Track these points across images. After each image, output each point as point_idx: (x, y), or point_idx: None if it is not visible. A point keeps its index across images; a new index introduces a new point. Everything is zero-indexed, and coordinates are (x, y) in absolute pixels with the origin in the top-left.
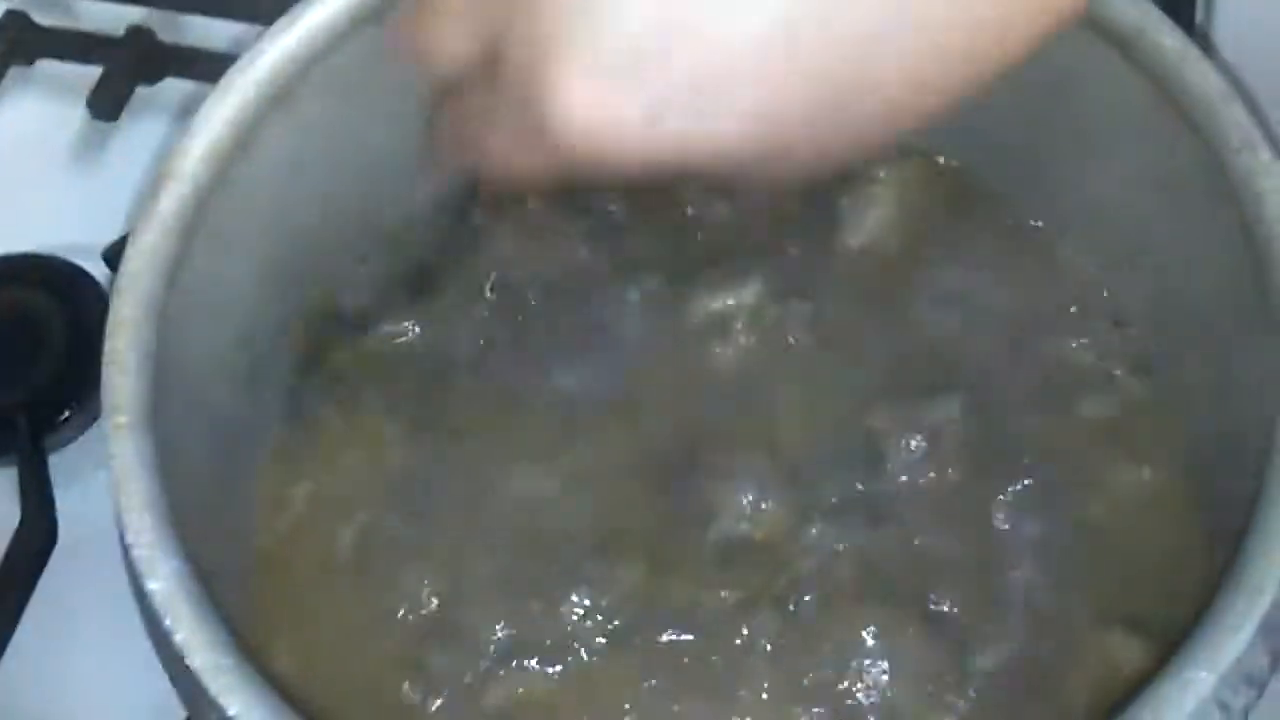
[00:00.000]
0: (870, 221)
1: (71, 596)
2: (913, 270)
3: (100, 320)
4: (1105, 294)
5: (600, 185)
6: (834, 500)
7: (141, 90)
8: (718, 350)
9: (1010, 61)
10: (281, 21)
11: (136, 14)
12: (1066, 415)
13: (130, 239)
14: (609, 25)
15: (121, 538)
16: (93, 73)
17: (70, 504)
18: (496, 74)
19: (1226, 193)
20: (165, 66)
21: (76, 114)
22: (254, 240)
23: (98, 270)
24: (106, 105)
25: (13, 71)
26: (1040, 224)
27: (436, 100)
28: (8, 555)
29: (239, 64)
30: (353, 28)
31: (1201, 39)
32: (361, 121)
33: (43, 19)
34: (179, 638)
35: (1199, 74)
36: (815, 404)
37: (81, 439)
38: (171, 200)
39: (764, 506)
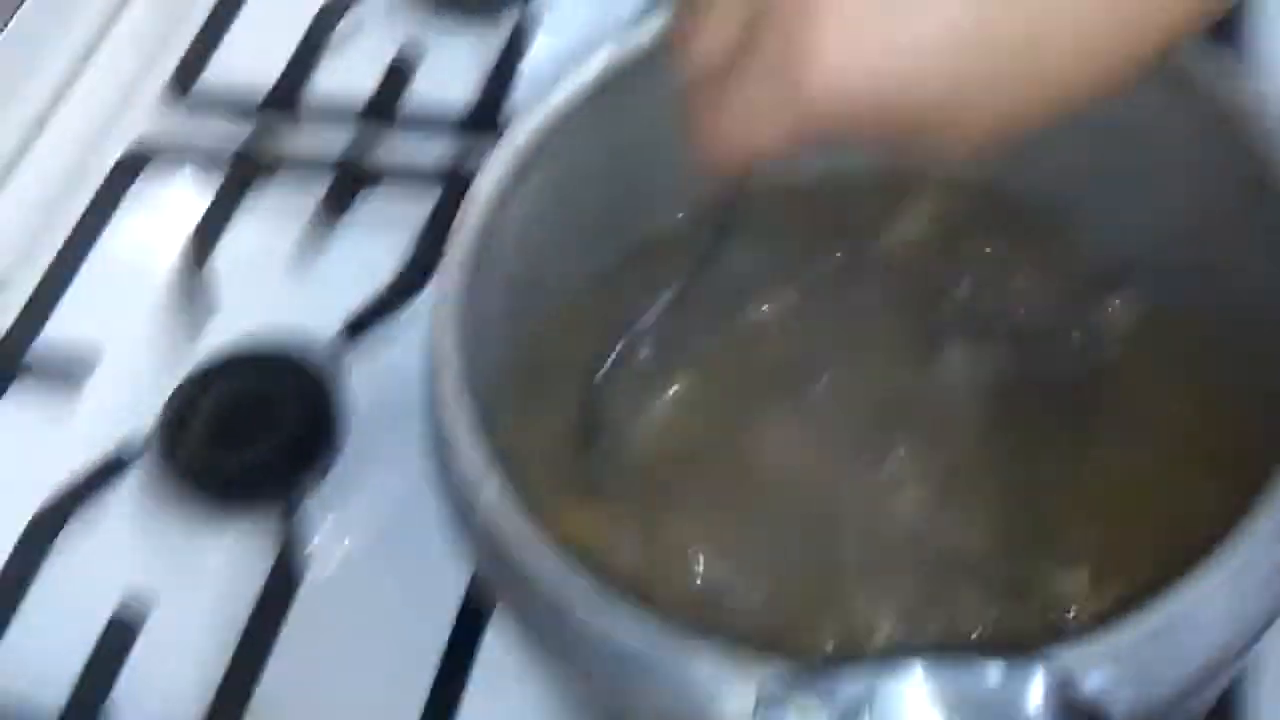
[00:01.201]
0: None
1: (319, 612)
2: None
3: (328, 392)
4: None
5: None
6: None
7: (358, 200)
8: None
9: (1178, 32)
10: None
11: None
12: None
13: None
14: None
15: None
16: (308, 191)
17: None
18: (752, 50)
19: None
20: (376, 179)
21: (300, 226)
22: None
23: (325, 350)
24: (332, 214)
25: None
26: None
27: (695, 96)
28: (268, 581)
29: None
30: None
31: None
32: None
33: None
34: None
35: (1247, 89)
36: None
37: (318, 491)
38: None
39: None
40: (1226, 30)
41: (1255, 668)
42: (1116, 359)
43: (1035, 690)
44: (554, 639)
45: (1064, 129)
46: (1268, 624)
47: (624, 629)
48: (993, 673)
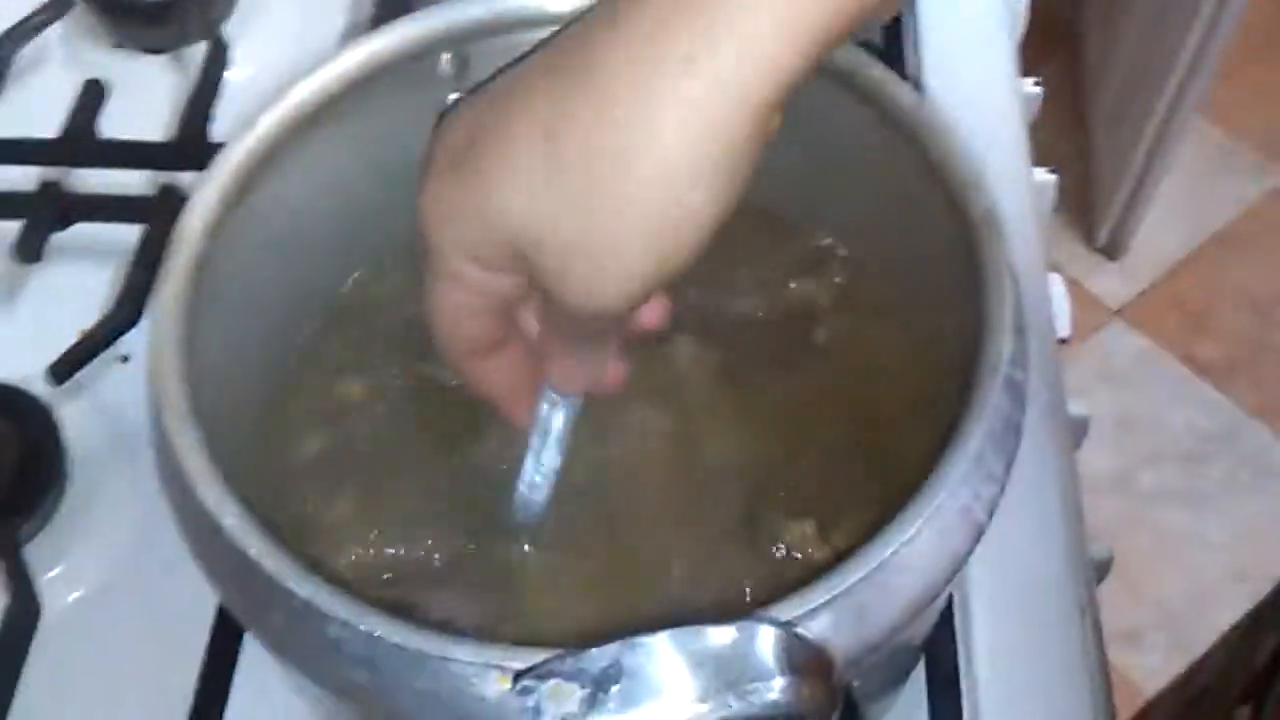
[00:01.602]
0: None
1: (59, 663)
2: None
3: (45, 431)
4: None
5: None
6: None
7: (56, 236)
8: None
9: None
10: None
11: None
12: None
13: (168, 248)
14: None
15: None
16: (2, 228)
17: (43, 586)
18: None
19: (934, 177)
20: (74, 213)
21: None
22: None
23: (38, 390)
24: (30, 250)
25: None
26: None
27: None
28: (2, 633)
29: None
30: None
31: (915, 82)
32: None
33: None
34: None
35: (902, 92)
36: None
37: (44, 533)
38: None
39: None
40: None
41: (966, 590)
42: (828, 329)
43: (765, 643)
44: (311, 653)
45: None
46: (962, 560)
47: (384, 630)
48: (726, 633)
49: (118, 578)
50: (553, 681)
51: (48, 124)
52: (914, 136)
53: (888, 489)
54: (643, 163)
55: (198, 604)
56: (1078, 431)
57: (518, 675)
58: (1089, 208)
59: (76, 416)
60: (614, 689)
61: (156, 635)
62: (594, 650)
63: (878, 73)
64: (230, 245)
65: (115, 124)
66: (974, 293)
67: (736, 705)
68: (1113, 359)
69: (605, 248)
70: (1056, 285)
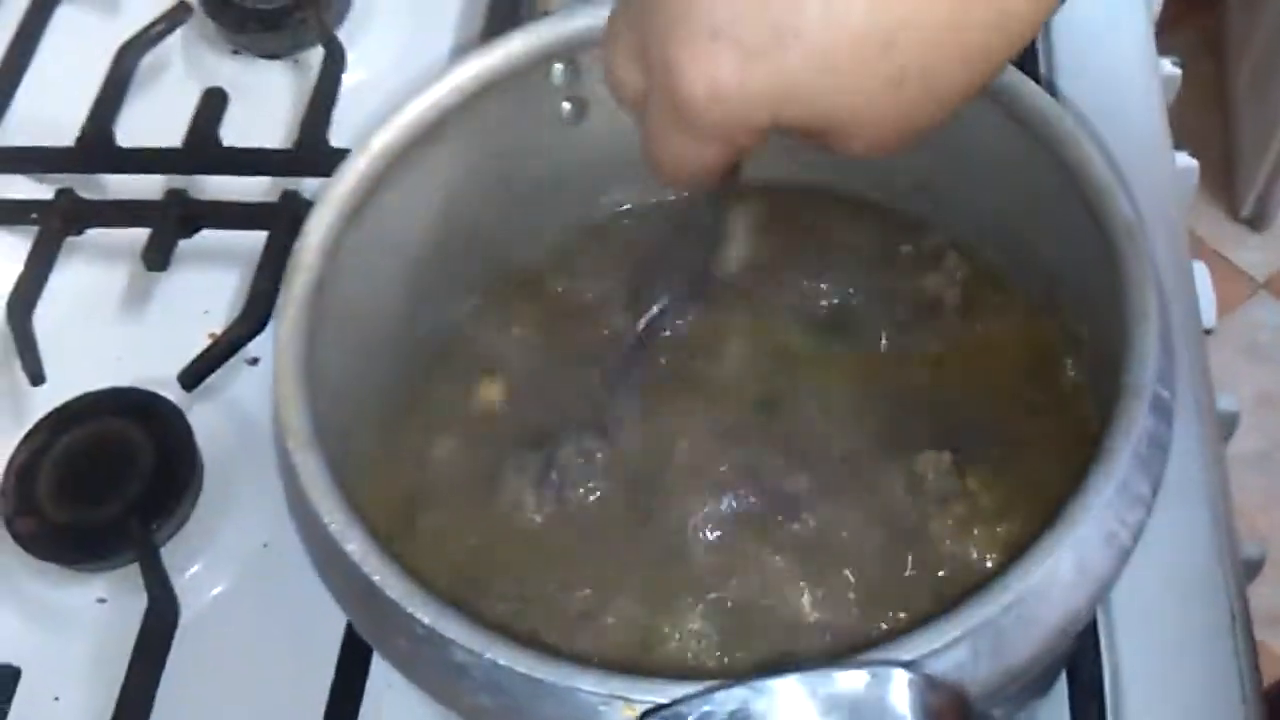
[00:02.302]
0: None
1: (198, 659)
2: None
3: (179, 434)
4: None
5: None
6: None
7: (182, 243)
8: None
9: (1036, 29)
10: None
11: (163, 179)
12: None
13: (286, 272)
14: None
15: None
16: (129, 235)
17: (181, 585)
18: (650, 84)
19: (1070, 183)
20: (199, 220)
21: (125, 271)
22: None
23: (170, 395)
24: (157, 258)
25: (67, 242)
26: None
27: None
28: (142, 634)
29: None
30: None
31: (1048, 85)
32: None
33: (87, 193)
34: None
35: (1036, 96)
36: None
37: (180, 534)
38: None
39: None
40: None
41: (1110, 598)
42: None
43: (899, 690)
44: (436, 677)
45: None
46: (1107, 587)
47: (507, 659)
48: (858, 678)
49: (253, 576)
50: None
51: (171, 133)
52: (1047, 142)
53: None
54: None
55: (331, 604)
56: (1227, 426)
57: (644, 714)
58: (1232, 179)
59: (208, 419)
60: None
61: (292, 633)
62: (720, 694)
63: (1009, 77)
64: (347, 265)
65: (236, 130)
66: (1117, 309)
67: None
68: (1258, 332)
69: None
70: (1201, 274)
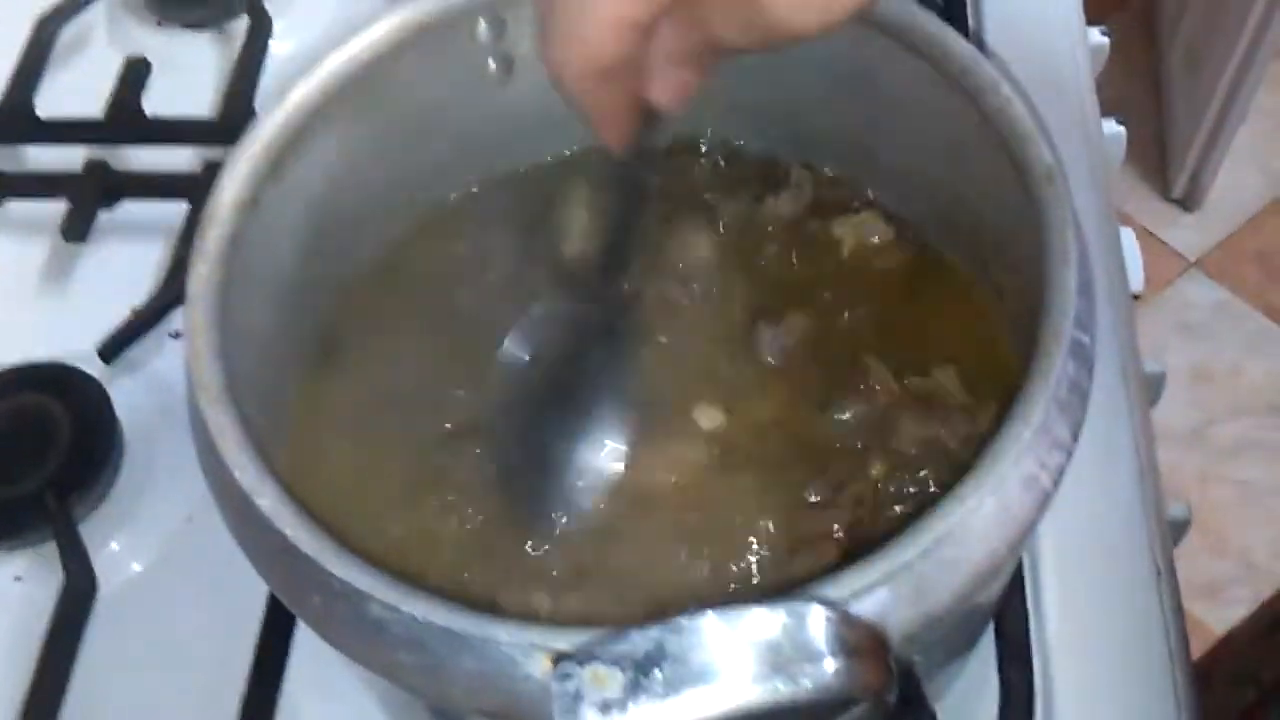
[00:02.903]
0: None
1: (117, 636)
2: None
3: (98, 408)
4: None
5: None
6: None
7: (102, 214)
8: None
9: None
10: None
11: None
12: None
13: (200, 226)
14: None
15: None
16: (49, 207)
17: (100, 561)
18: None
19: (991, 131)
20: (120, 191)
21: (44, 244)
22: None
23: (90, 368)
24: (76, 229)
25: None
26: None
27: (597, 83)
28: (58, 607)
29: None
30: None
31: (976, 40)
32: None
33: (5, 165)
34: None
35: (958, 46)
36: None
37: (100, 509)
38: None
39: None
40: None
41: (1036, 554)
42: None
43: (816, 624)
44: (354, 634)
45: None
46: (1028, 530)
47: (424, 612)
48: (775, 614)
49: (173, 551)
50: (593, 666)
51: (92, 103)
52: (969, 90)
53: None
54: None
55: (254, 577)
56: (1153, 388)
57: (557, 659)
58: (1164, 158)
59: (129, 393)
60: (656, 673)
61: (213, 609)
62: (635, 633)
63: (933, 27)
64: (264, 221)
65: (160, 101)
66: (1037, 256)
67: (786, 689)
68: (1190, 311)
69: None
70: (1128, 239)
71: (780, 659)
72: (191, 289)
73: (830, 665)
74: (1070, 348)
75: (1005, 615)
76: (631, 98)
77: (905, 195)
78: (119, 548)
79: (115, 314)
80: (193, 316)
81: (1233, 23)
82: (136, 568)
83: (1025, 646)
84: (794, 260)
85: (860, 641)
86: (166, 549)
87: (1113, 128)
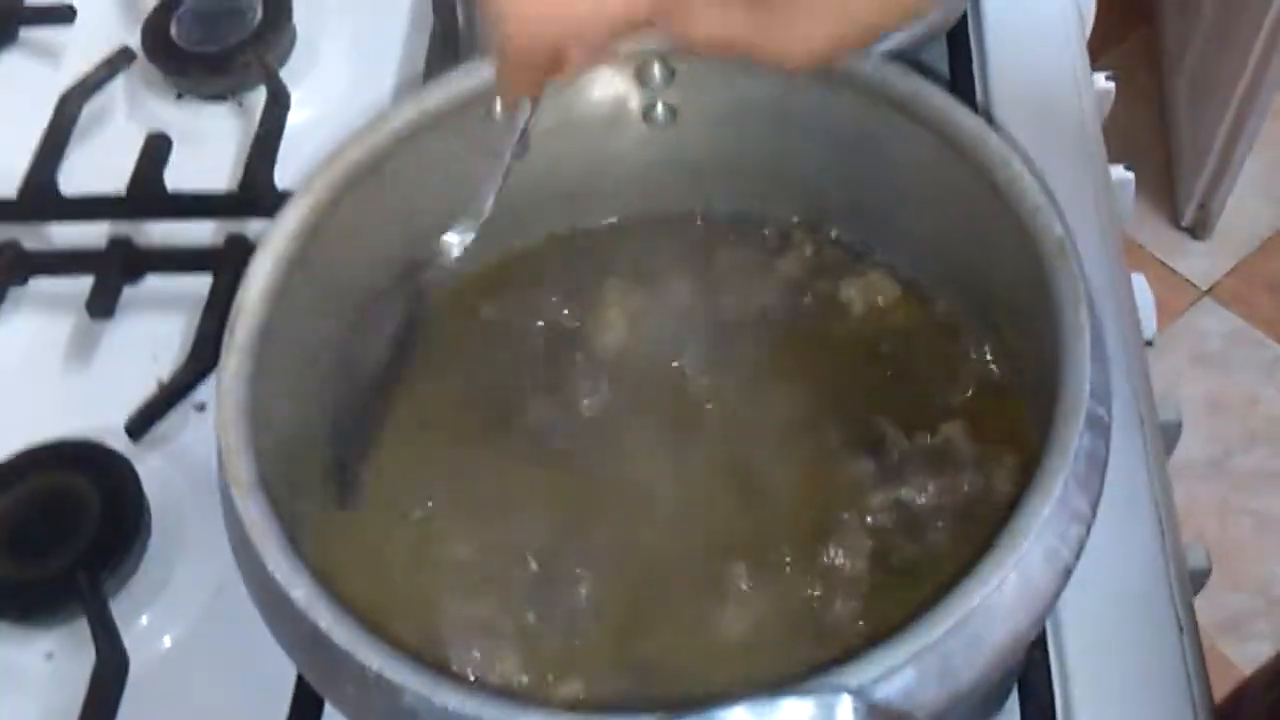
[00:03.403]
0: None
1: (149, 712)
2: None
3: (126, 485)
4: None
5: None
6: None
7: (127, 290)
8: None
9: None
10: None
11: (108, 227)
12: None
13: (229, 320)
14: None
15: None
16: (74, 284)
17: (131, 636)
18: None
19: (1001, 203)
20: (144, 266)
21: (70, 320)
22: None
23: (117, 444)
24: (102, 305)
25: (11, 292)
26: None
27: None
28: (91, 687)
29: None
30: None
31: (983, 108)
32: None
33: (30, 243)
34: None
35: (966, 120)
36: None
37: (130, 584)
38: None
39: None
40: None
41: (1058, 612)
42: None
43: (844, 715)
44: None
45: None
46: (1050, 604)
47: (457, 703)
48: (804, 706)
49: (205, 624)
50: None
51: (115, 178)
52: (978, 164)
53: None
54: None
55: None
56: (1170, 436)
57: None
58: (1173, 188)
59: (156, 468)
60: None
61: (243, 683)
62: None
63: (939, 100)
64: (289, 308)
65: (181, 174)
66: (1050, 328)
67: None
68: (1204, 340)
69: None
70: (1140, 284)
71: None
72: (223, 383)
73: None
74: (1087, 421)
75: (1029, 676)
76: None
77: (916, 259)
78: (149, 622)
79: (141, 388)
80: (224, 411)
81: (1237, 54)
82: (167, 642)
83: (1050, 707)
84: (804, 322)
85: None
86: (196, 622)
87: (1121, 174)
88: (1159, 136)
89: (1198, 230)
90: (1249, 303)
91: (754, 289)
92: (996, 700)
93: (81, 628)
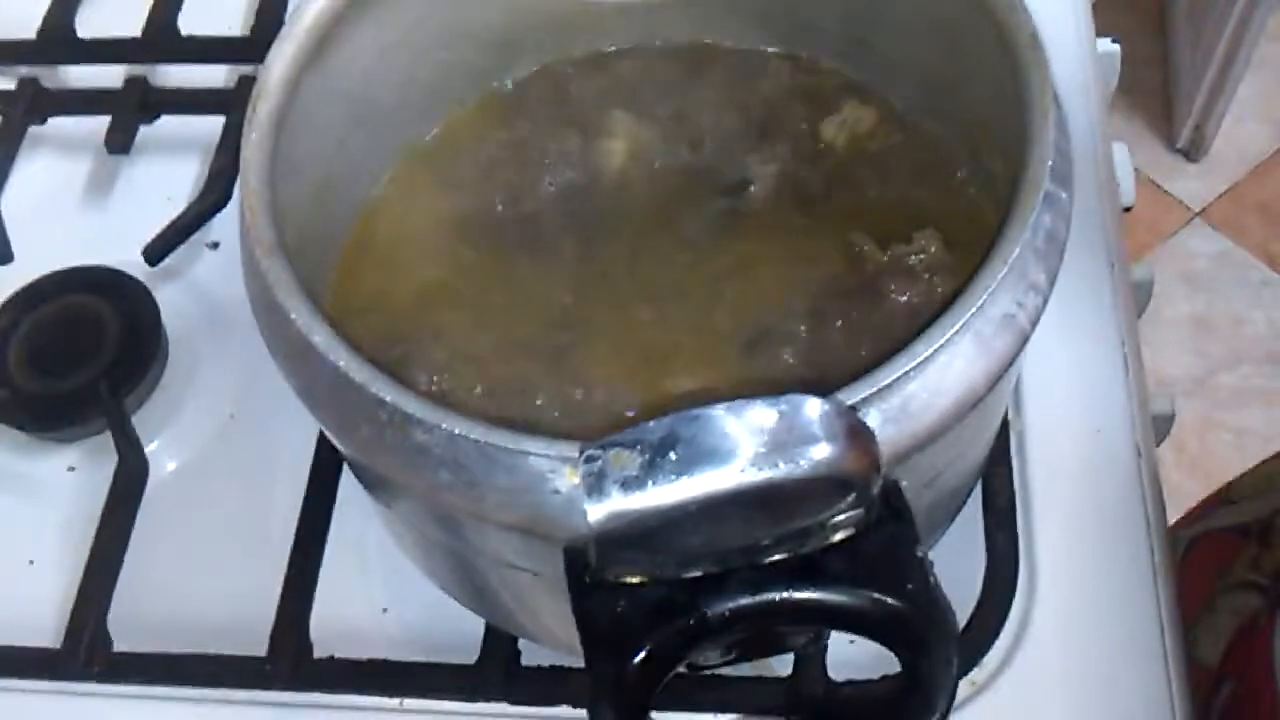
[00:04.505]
0: None
1: (164, 523)
2: None
3: (145, 308)
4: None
5: None
6: None
7: (143, 128)
8: None
9: None
10: None
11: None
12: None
13: (250, 101)
14: None
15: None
16: (92, 123)
17: (149, 455)
18: None
19: (975, 10)
20: (159, 107)
21: (89, 158)
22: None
23: (135, 270)
24: (119, 141)
25: (31, 130)
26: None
27: None
28: (112, 490)
29: None
30: None
31: None
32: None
33: (49, 83)
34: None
35: None
36: None
37: (146, 406)
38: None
39: None
40: None
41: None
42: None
43: (811, 413)
44: (399, 457)
45: None
46: (1006, 364)
47: (462, 428)
48: (775, 405)
49: (217, 446)
50: (615, 450)
51: (131, 23)
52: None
53: None
54: None
55: (293, 465)
56: (1142, 294)
57: (583, 448)
58: (1168, 109)
59: (173, 298)
60: (671, 455)
61: (255, 494)
62: (652, 423)
63: None
64: (305, 105)
65: (195, 21)
66: (1019, 118)
67: (785, 467)
68: (1193, 260)
69: None
70: (1120, 154)
71: (779, 443)
72: (246, 154)
73: (824, 448)
74: (1046, 199)
75: (992, 487)
76: None
77: (898, 82)
78: (165, 442)
79: (158, 222)
80: (247, 179)
81: None
82: (183, 460)
83: (1010, 514)
84: (783, 150)
85: (850, 429)
86: (210, 444)
87: (1108, 47)
88: (1156, 59)
89: (1192, 153)
90: (1239, 225)
91: (737, 118)
92: (955, 503)
93: (102, 444)
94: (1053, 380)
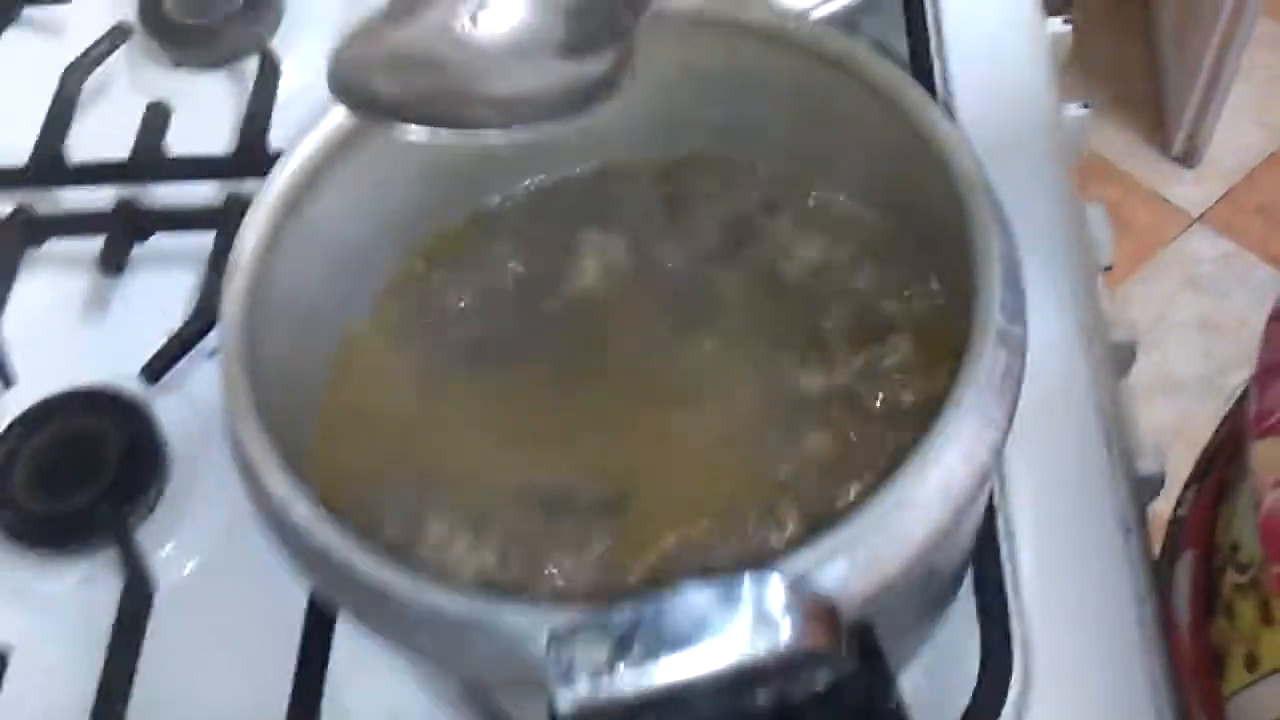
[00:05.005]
0: None
1: (175, 631)
2: None
3: (144, 426)
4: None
5: None
6: None
7: (136, 248)
8: None
9: None
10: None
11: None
12: None
13: (227, 272)
14: None
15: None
16: (85, 244)
17: (157, 565)
18: None
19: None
20: (151, 226)
21: (84, 279)
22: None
23: (135, 385)
24: (113, 263)
25: (27, 254)
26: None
27: None
28: (121, 608)
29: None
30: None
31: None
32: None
33: (43, 208)
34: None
35: (886, 70)
36: None
37: (150, 520)
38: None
39: None
40: None
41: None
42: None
43: (774, 594)
44: (384, 623)
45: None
46: (969, 497)
47: (440, 602)
48: (736, 586)
49: (220, 555)
50: (582, 635)
51: (119, 145)
52: (901, 110)
53: None
54: None
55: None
56: (1123, 358)
57: (551, 636)
58: (1162, 116)
59: (173, 411)
60: (636, 644)
61: (260, 603)
62: (614, 610)
63: (863, 55)
64: (282, 258)
65: (181, 140)
66: (968, 255)
67: (748, 650)
68: (1197, 265)
69: None
70: (1097, 215)
71: (743, 625)
72: (222, 326)
73: (786, 630)
74: (998, 337)
75: (983, 580)
76: None
77: (864, 197)
78: (169, 554)
79: (153, 339)
80: (227, 351)
81: None
82: (187, 570)
83: (1002, 607)
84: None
85: (813, 608)
86: (214, 551)
87: (1076, 111)
88: (1148, 69)
89: (1188, 159)
90: (1239, 227)
91: (703, 228)
92: (940, 600)
93: (108, 559)
94: (1036, 467)
